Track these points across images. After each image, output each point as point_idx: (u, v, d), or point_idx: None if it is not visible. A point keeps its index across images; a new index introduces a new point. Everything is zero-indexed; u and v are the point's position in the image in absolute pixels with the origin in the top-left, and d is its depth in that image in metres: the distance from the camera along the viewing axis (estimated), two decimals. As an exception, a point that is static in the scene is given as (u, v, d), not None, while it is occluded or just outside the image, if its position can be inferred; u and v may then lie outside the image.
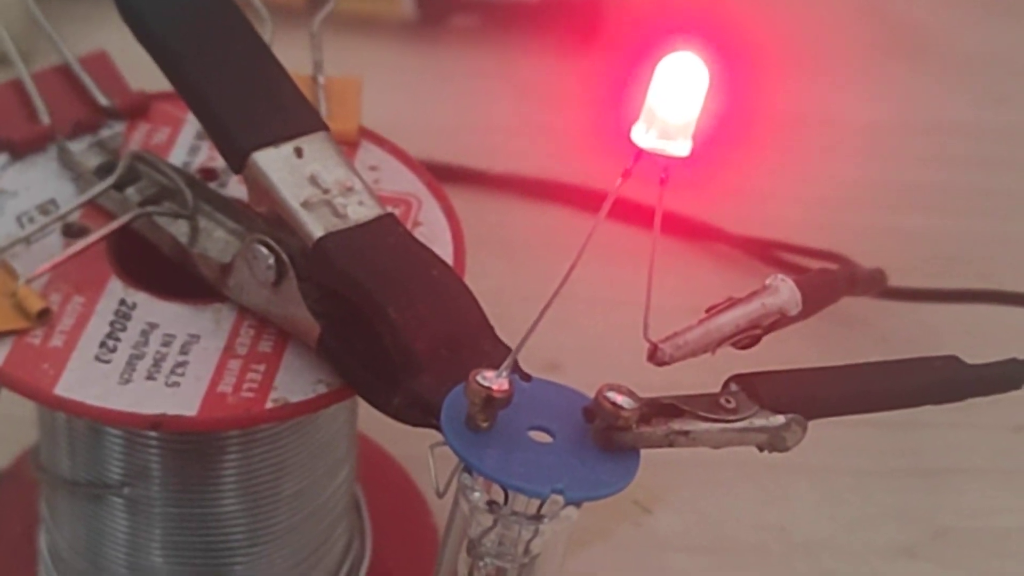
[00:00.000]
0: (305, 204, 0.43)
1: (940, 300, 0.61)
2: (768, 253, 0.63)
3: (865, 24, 0.79)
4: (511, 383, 0.36)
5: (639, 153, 0.37)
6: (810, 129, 0.72)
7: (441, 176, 0.50)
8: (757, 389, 0.40)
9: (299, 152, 0.44)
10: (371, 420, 0.46)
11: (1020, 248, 0.66)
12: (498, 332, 0.41)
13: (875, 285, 0.60)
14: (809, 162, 0.70)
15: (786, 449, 0.41)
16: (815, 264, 0.64)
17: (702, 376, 0.40)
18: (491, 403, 0.36)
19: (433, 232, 0.48)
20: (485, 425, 0.37)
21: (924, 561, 0.57)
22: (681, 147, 0.37)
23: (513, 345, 0.39)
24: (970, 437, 0.61)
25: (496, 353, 0.39)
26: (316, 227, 0.42)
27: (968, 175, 0.70)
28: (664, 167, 0.37)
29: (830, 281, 0.54)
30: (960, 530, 0.58)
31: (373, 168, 0.50)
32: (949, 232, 0.67)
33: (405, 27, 0.74)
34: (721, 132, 0.62)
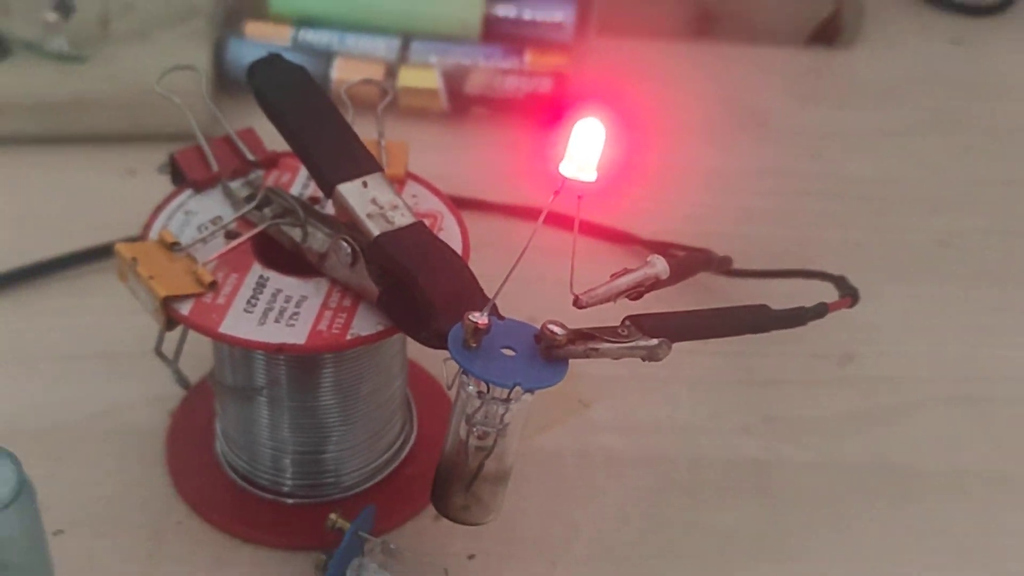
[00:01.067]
0: (368, 216, 0.46)
1: (764, 276, 0.63)
2: (655, 247, 0.64)
3: (722, 106, 0.80)
4: (489, 320, 0.40)
5: (563, 180, 0.40)
6: (682, 171, 0.74)
7: (458, 203, 0.53)
8: (641, 323, 0.42)
9: (365, 184, 0.47)
10: (414, 349, 0.51)
11: (821, 246, 0.68)
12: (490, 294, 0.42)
13: (724, 266, 0.62)
14: (681, 192, 0.72)
15: (658, 360, 0.42)
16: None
17: (607, 317, 0.42)
18: (477, 332, 0.40)
19: (450, 235, 0.50)
20: (475, 346, 0.40)
21: (757, 437, 0.59)
22: (589, 176, 0.40)
23: (494, 300, 0.41)
24: (785, 360, 0.62)
25: (482, 304, 0.42)
26: (375, 229, 0.45)
27: (788, 202, 0.72)
28: (580, 190, 0.40)
29: (690, 261, 0.56)
30: (779, 418, 0.60)
31: (414, 196, 0.53)
32: (773, 236, 0.69)
33: (441, 114, 0.76)
34: (621, 171, 0.67)
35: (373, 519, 0.50)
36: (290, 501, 0.53)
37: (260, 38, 0.77)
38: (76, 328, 0.61)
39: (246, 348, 0.48)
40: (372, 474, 0.54)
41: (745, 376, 0.61)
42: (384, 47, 0.76)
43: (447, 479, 0.43)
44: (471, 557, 0.52)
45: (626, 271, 0.43)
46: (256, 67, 0.50)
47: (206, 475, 0.54)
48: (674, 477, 0.56)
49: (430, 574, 0.49)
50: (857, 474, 0.57)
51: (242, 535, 0.52)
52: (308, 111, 0.49)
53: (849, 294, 0.54)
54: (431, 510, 0.51)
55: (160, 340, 0.49)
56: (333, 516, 0.50)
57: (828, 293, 0.55)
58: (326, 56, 0.75)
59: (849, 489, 0.56)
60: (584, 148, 0.40)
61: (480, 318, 0.40)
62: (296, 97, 0.49)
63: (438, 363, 0.50)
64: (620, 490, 0.55)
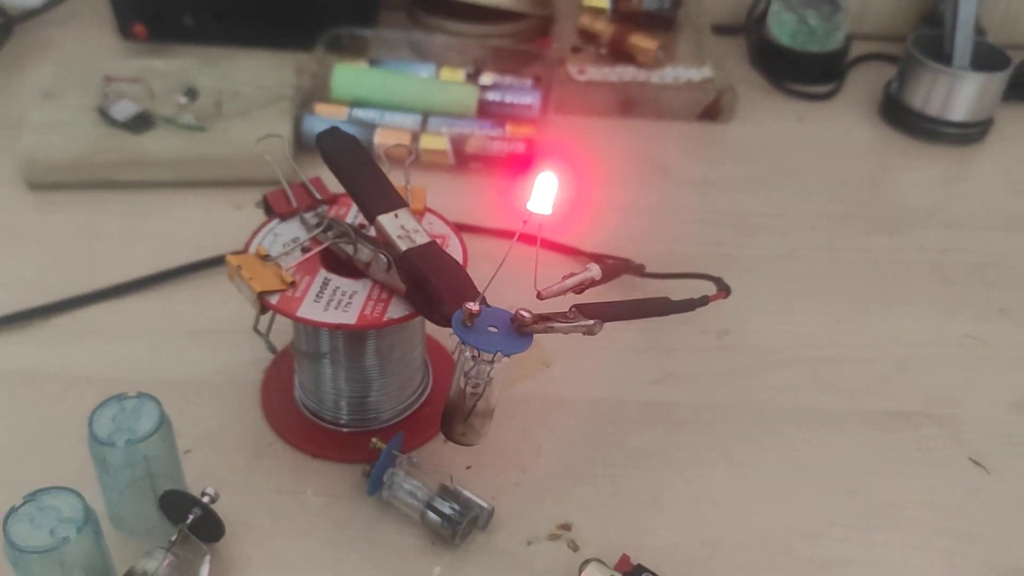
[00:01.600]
0: (399, 237, 0.47)
1: (666, 278, 0.62)
2: (593, 257, 0.64)
3: (638, 162, 0.78)
4: (479, 308, 0.41)
5: (529, 214, 0.41)
6: (610, 205, 0.73)
7: (460, 228, 0.53)
8: (583, 309, 0.43)
9: (396, 215, 0.47)
10: (430, 328, 0.50)
11: (704, 258, 0.67)
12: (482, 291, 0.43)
13: (639, 271, 0.62)
14: (610, 219, 0.71)
15: (594, 334, 0.43)
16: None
17: (560, 305, 0.43)
18: (471, 316, 0.41)
19: (454, 250, 0.50)
20: (470, 325, 0.41)
21: (663, 386, 0.59)
22: (546, 210, 0.41)
23: (483, 293, 0.42)
24: (682, 335, 0.62)
25: (475, 296, 0.43)
26: (403, 246, 0.46)
27: (682, 227, 0.72)
28: (539, 220, 0.41)
29: (615, 267, 0.57)
30: (678, 374, 0.60)
31: (430, 223, 0.53)
32: (673, 251, 0.68)
33: (449, 168, 0.75)
34: (571, 205, 0.67)
35: (402, 442, 0.51)
36: (345, 430, 0.54)
37: (326, 115, 0.77)
38: (200, 313, 0.61)
39: (315, 326, 0.48)
40: (401, 412, 0.54)
41: (656, 345, 0.61)
42: (410, 121, 0.76)
43: (451, 415, 0.43)
44: (468, 468, 0.53)
45: (572, 274, 0.44)
46: (322, 136, 0.50)
47: (288, 413, 0.55)
48: (606, 413, 0.56)
49: (439, 479, 0.50)
50: (729, 412, 0.57)
51: (312, 452, 0.53)
52: (357, 165, 0.49)
53: (724, 289, 0.55)
54: (441, 436, 0.52)
55: (257, 321, 0.49)
56: (374, 440, 0.51)
57: (710, 289, 0.56)
58: (371, 127, 0.75)
59: (724, 422, 0.57)
60: (543, 192, 0.41)
61: (473, 306, 0.41)
62: (349, 156, 0.50)
63: (446, 337, 0.51)
64: (569, 422, 0.56)
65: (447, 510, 0.48)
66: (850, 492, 0.53)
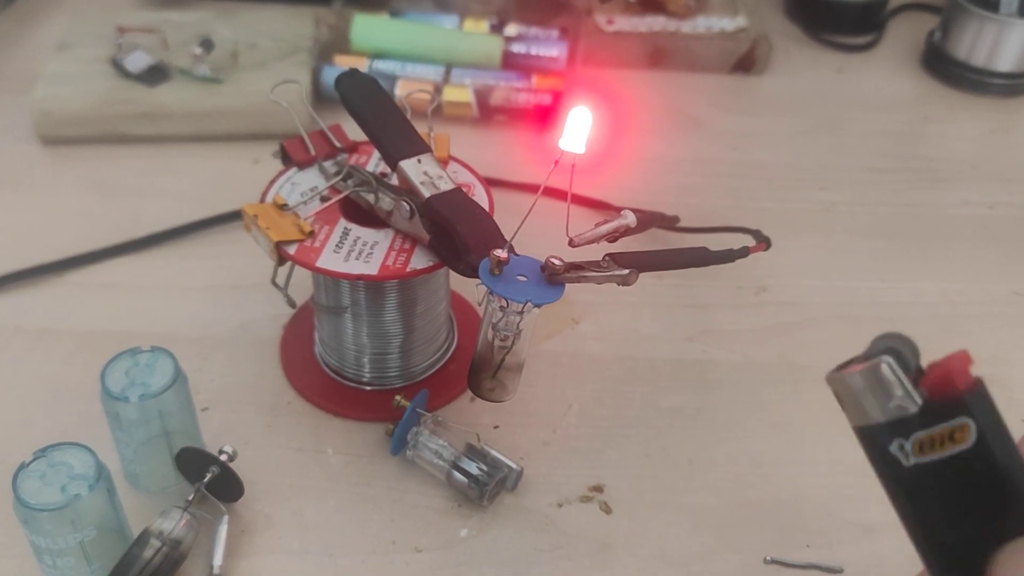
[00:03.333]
0: (422, 183, 0.45)
1: (701, 232, 0.59)
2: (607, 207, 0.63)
3: (669, 115, 0.76)
4: (507, 256, 0.40)
5: (561, 152, 0.39)
6: (641, 159, 0.71)
7: (488, 179, 0.51)
8: (617, 258, 0.41)
9: (419, 161, 0.46)
10: (455, 282, 0.50)
11: (738, 212, 0.65)
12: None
13: (673, 223, 0.60)
14: (641, 174, 0.69)
15: (629, 284, 0.41)
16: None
17: (593, 254, 0.41)
18: (500, 263, 0.40)
19: (479, 198, 0.49)
20: (498, 273, 0.40)
21: (698, 343, 0.57)
22: (579, 148, 0.38)
23: (511, 241, 0.41)
24: (718, 290, 0.60)
25: (503, 244, 0.41)
26: (426, 193, 0.45)
27: (716, 181, 0.69)
28: (572, 160, 0.39)
29: (650, 216, 0.54)
30: (713, 330, 0.58)
31: (454, 172, 0.51)
32: (705, 205, 0.66)
33: (474, 120, 0.73)
34: (602, 160, 0.65)
35: (427, 400, 0.49)
36: (368, 388, 0.52)
37: (345, 66, 0.73)
38: (219, 267, 0.60)
39: (335, 278, 0.47)
40: (426, 369, 0.53)
41: (689, 301, 0.60)
42: (433, 72, 0.74)
43: (479, 369, 0.42)
44: (496, 427, 0.51)
45: (606, 220, 0.43)
46: (341, 78, 0.49)
47: (308, 370, 0.53)
48: (637, 372, 0.55)
49: (465, 438, 0.48)
50: (767, 370, 0.55)
51: (333, 411, 0.52)
52: (378, 109, 0.48)
53: (764, 240, 0.53)
54: (468, 394, 0.52)
55: (275, 273, 0.47)
56: (398, 398, 0.49)
57: (748, 243, 0.52)
58: (392, 79, 0.73)
59: (762, 381, 0.55)
60: (576, 129, 0.38)
61: (501, 253, 0.39)
62: (370, 99, 0.48)
63: (471, 292, 0.49)
64: (599, 380, 0.54)
65: (474, 470, 0.47)
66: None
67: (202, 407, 0.51)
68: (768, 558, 0.45)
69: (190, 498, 0.44)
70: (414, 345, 0.51)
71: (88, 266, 0.60)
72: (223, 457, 0.44)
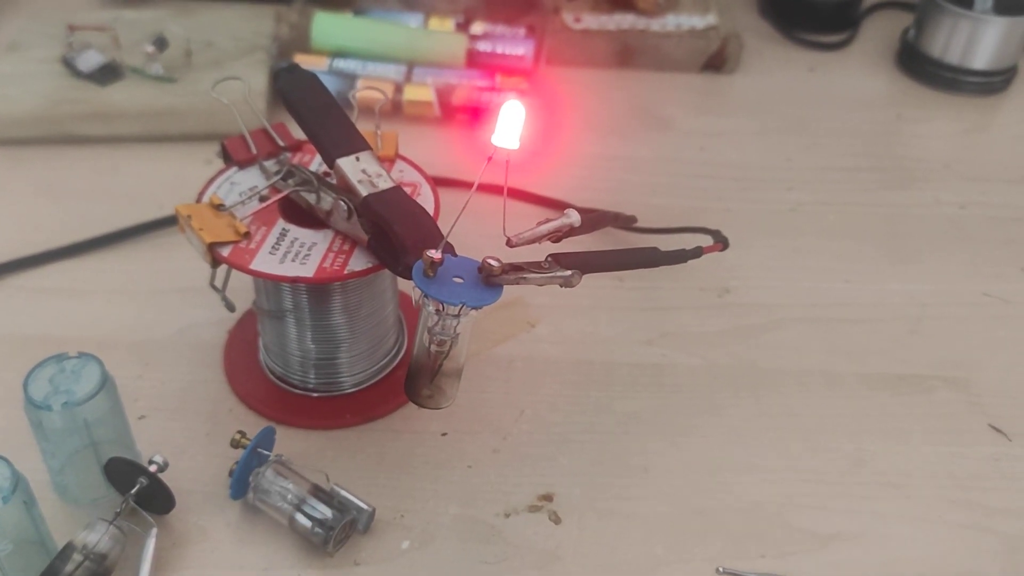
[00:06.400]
0: (359, 181, 0.44)
1: (660, 232, 0.59)
2: (582, 211, 0.59)
3: (637, 115, 0.75)
4: (443, 256, 0.38)
5: (494, 149, 0.37)
6: (607, 158, 0.70)
7: (442, 181, 0.52)
8: (560, 259, 0.40)
9: (357, 159, 0.45)
10: (405, 282, 0.47)
11: (705, 212, 0.64)
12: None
13: (629, 223, 0.59)
14: (606, 172, 0.68)
15: (572, 286, 0.40)
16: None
17: (534, 254, 0.40)
18: (433, 264, 0.38)
19: (425, 199, 0.47)
20: (432, 275, 0.38)
21: (657, 347, 0.56)
22: (512, 143, 0.37)
23: (447, 240, 0.40)
24: (679, 292, 0.59)
25: (439, 243, 0.40)
26: (364, 191, 0.43)
27: (682, 181, 0.68)
28: (507, 156, 0.37)
29: (599, 216, 0.52)
30: (673, 333, 0.57)
31: (401, 171, 0.50)
32: (671, 205, 0.65)
33: (435, 119, 0.72)
34: (563, 158, 0.63)
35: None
36: (314, 395, 0.51)
37: (305, 66, 0.72)
38: (162, 272, 0.59)
39: (271, 280, 0.45)
40: (374, 374, 0.52)
41: (649, 304, 0.58)
42: (394, 71, 0.73)
43: (416, 375, 0.41)
44: (444, 435, 0.50)
45: (548, 220, 0.42)
46: (280, 72, 0.48)
47: (252, 376, 0.52)
48: (594, 376, 0.54)
49: (313, 478, 0.45)
50: (728, 374, 0.54)
51: (276, 418, 0.50)
52: (318, 106, 0.46)
53: (721, 241, 0.51)
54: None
55: (213, 276, 0.46)
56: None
57: (707, 243, 0.51)
58: (352, 78, 0.72)
59: (723, 385, 0.54)
60: (509, 124, 0.37)
61: (435, 254, 0.38)
62: (309, 95, 0.47)
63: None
64: (554, 385, 0.53)
65: (318, 514, 0.43)
66: (856, 461, 0.50)
67: (139, 415, 0.49)
68: (721, 569, 0.44)
69: (118, 510, 0.42)
70: (360, 350, 0.50)
71: (29, 270, 0.58)
72: (153, 467, 0.43)
